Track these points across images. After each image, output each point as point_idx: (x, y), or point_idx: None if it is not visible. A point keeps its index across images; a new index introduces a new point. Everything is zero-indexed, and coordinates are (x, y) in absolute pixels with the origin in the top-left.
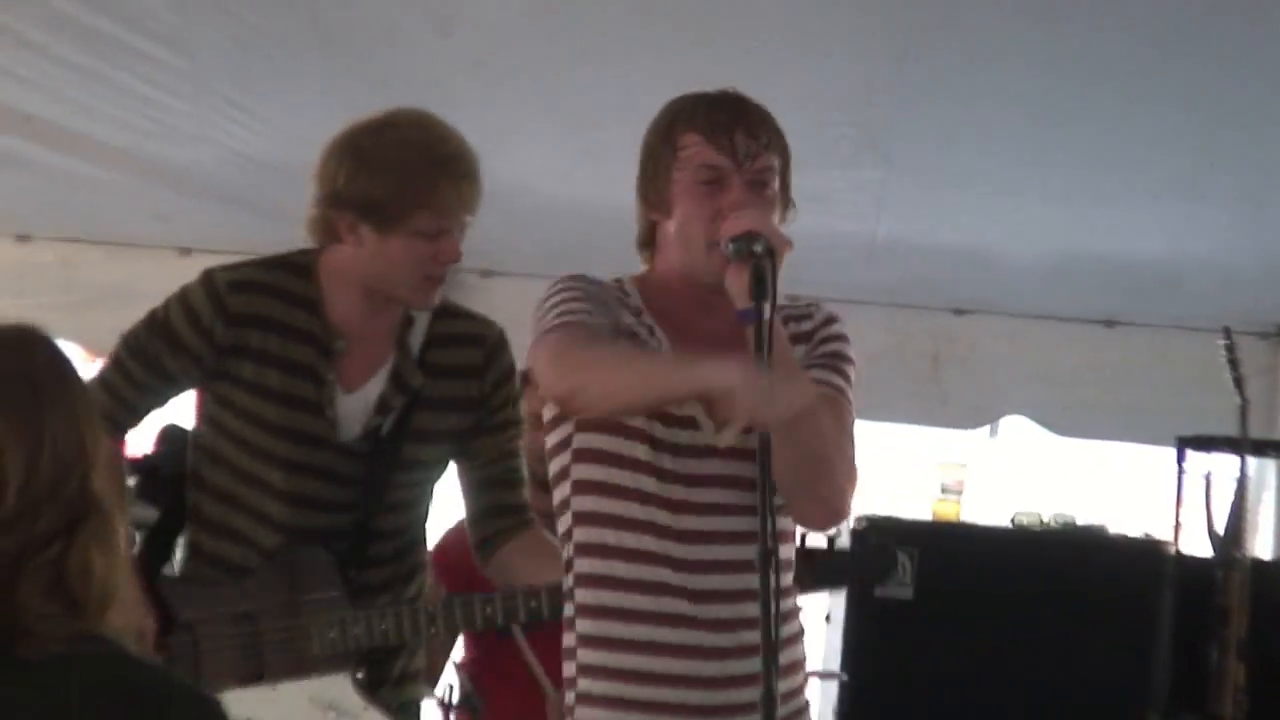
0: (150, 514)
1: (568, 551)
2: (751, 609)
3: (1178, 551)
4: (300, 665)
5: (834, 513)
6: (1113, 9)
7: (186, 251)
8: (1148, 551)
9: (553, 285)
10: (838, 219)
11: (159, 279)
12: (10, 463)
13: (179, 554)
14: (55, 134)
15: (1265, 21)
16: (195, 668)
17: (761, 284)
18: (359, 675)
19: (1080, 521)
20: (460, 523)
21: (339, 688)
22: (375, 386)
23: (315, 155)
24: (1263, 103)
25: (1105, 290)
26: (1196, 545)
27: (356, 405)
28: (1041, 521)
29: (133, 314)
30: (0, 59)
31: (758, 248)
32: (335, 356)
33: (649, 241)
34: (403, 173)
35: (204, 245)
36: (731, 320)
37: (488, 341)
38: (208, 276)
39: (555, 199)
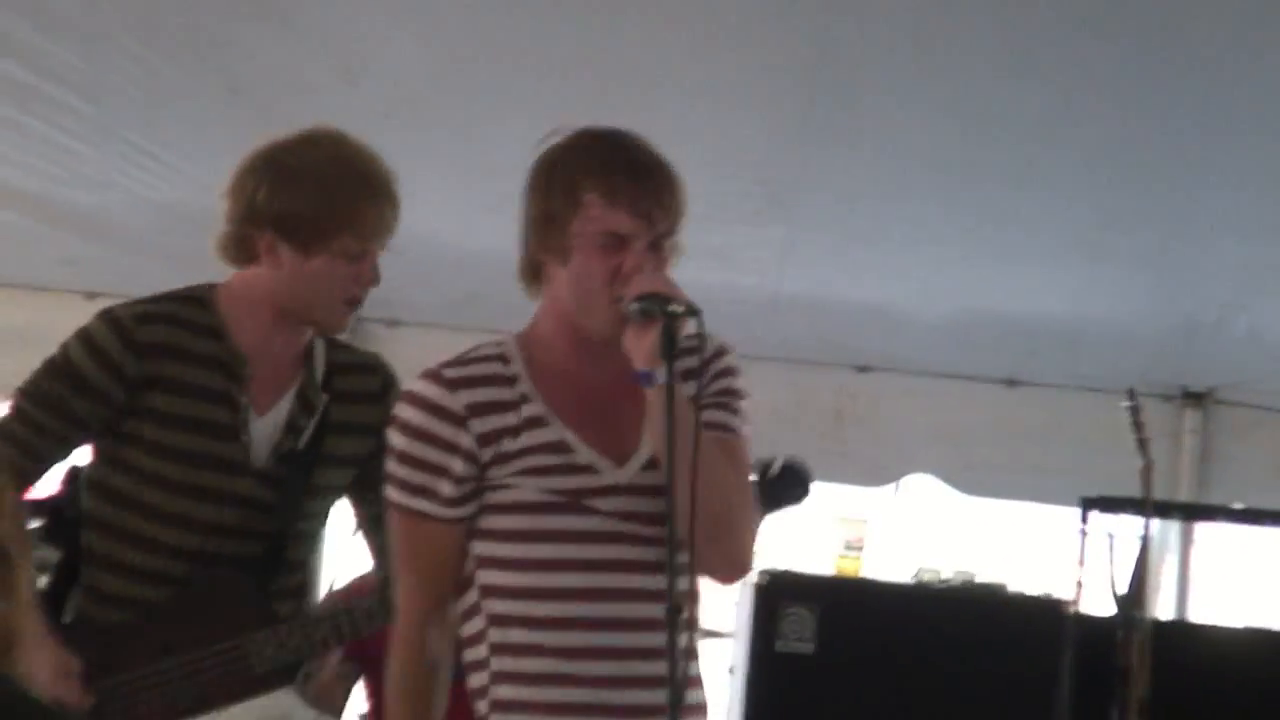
0: (55, 556)
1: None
2: (645, 668)
3: (1079, 611)
4: (243, 687)
5: (739, 566)
6: (1015, 69)
7: (93, 296)
8: (1049, 610)
9: (395, 417)
10: (741, 274)
11: (65, 323)
12: None
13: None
14: None
15: (1171, 84)
16: (129, 713)
17: (672, 344)
18: (304, 681)
19: (981, 579)
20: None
21: (287, 702)
22: (283, 408)
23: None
24: (1168, 163)
25: (1008, 349)
26: (1098, 605)
27: (267, 428)
28: (942, 579)
29: (37, 357)
30: None
31: (676, 308)
32: (245, 381)
33: (535, 275)
34: (327, 192)
35: (110, 290)
36: (616, 373)
37: (381, 370)
38: (108, 314)
39: (460, 249)
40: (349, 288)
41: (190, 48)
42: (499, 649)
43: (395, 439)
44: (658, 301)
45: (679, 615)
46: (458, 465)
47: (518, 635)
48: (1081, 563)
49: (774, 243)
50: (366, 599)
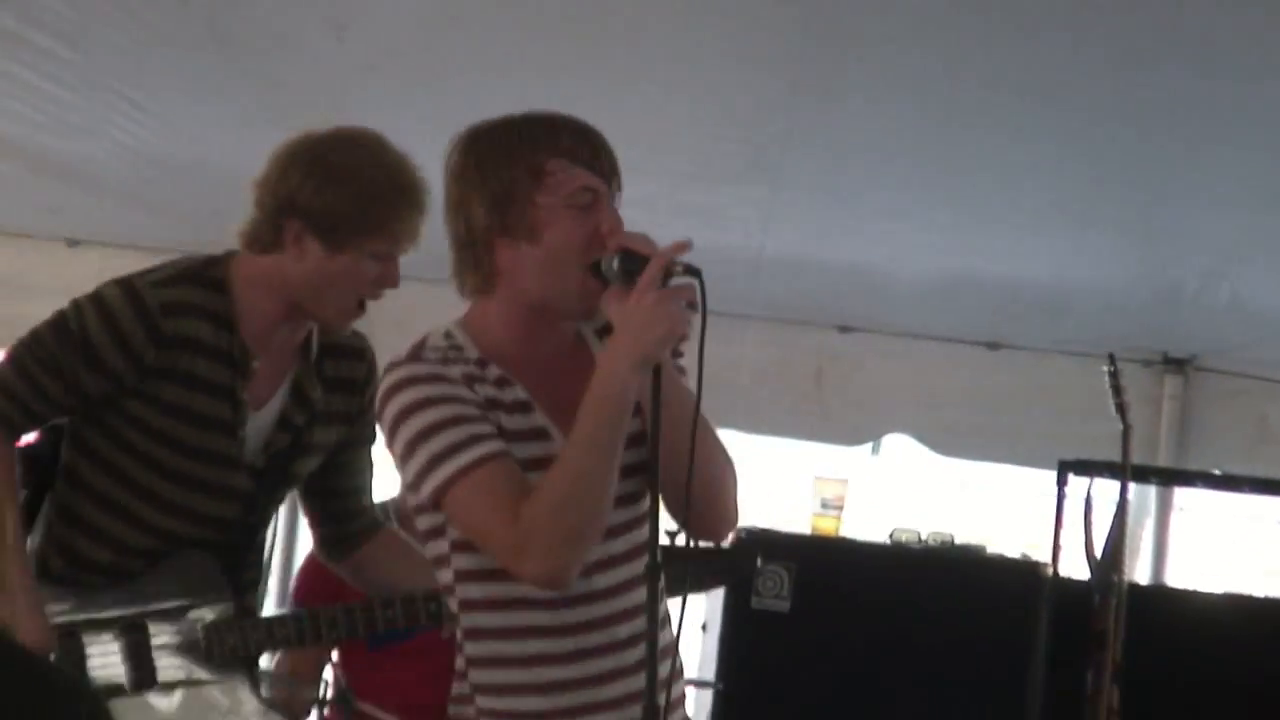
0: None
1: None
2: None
3: (1055, 574)
4: (194, 671)
5: (729, 522)
6: (1004, 32)
7: (75, 243)
8: (1025, 572)
9: (395, 394)
10: (725, 234)
11: (47, 270)
12: None
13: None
14: None
15: (1162, 51)
16: (84, 673)
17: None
18: (253, 675)
19: (959, 541)
20: (311, 555)
21: (236, 691)
22: (276, 403)
23: (206, 153)
24: (1152, 130)
25: (990, 312)
26: (1075, 568)
27: (261, 422)
28: (920, 539)
29: (20, 304)
30: None
31: (680, 269)
32: (250, 376)
33: (477, 267)
34: (370, 195)
35: (93, 238)
36: (565, 342)
37: (367, 355)
38: (134, 294)
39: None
40: (367, 289)
41: None
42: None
43: (417, 419)
44: (639, 261)
45: (659, 573)
46: (486, 417)
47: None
48: (1059, 526)
49: (758, 202)
50: (352, 605)
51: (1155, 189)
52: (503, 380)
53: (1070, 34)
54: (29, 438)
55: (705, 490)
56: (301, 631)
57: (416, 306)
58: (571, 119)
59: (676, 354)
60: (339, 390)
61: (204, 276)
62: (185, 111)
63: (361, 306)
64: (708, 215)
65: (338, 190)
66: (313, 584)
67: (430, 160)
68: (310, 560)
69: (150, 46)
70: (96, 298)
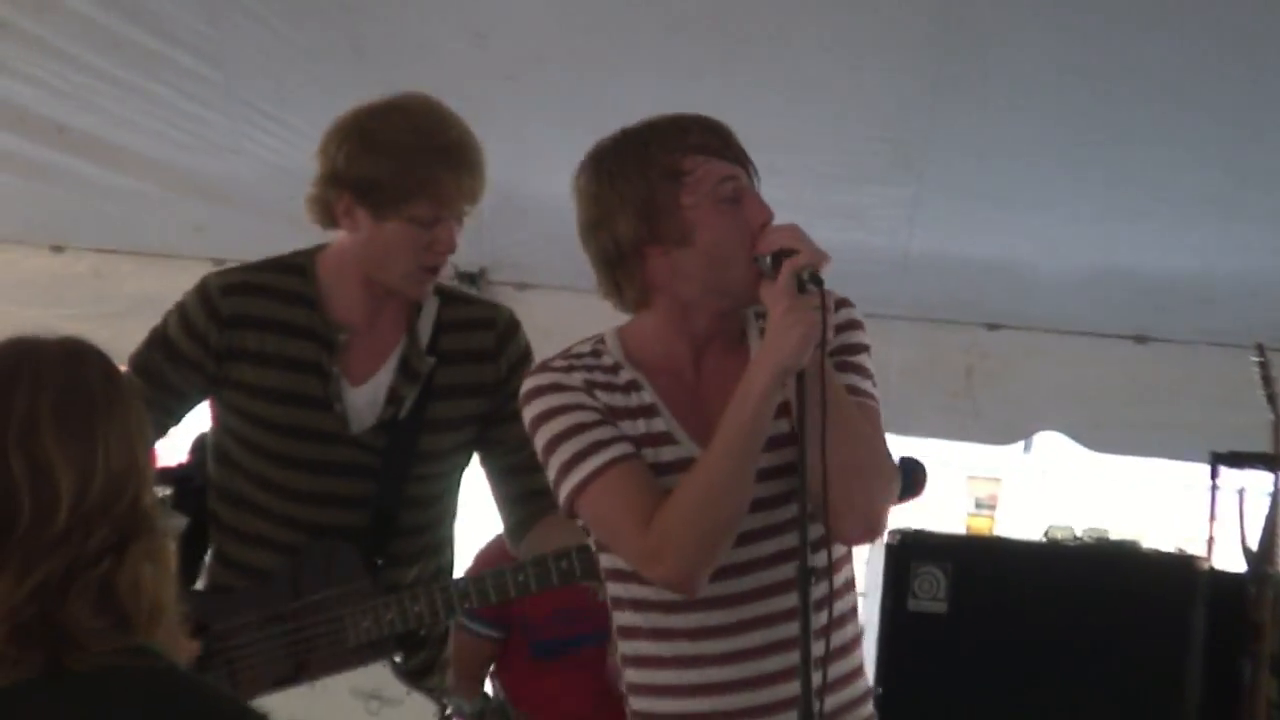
0: (183, 524)
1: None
2: (789, 629)
3: (1211, 567)
4: (338, 659)
5: (870, 524)
6: (1148, 25)
7: (220, 262)
8: (1181, 567)
9: (526, 406)
10: (871, 233)
11: None
12: (63, 481)
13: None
14: (89, 145)
15: None
16: (231, 678)
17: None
18: (398, 660)
19: (1114, 536)
20: (498, 537)
21: (379, 676)
22: (385, 377)
23: None
24: None
25: (1138, 306)
26: (1229, 561)
27: (366, 397)
28: (1075, 536)
29: None
30: (34, 70)
31: (806, 275)
32: (339, 350)
33: (631, 278)
34: (403, 157)
35: (238, 256)
36: (721, 341)
37: (498, 324)
38: (201, 283)
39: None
40: (424, 255)
41: (315, 10)
42: (630, 635)
43: (545, 430)
44: (785, 254)
45: (810, 576)
46: (607, 421)
47: (648, 646)
48: (1213, 519)
49: (903, 201)
50: (483, 573)
51: None
52: (632, 384)
53: (1215, 28)
54: (179, 459)
55: (843, 494)
56: (434, 605)
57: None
58: (691, 114)
59: (852, 355)
60: (462, 362)
61: (284, 263)
62: (326, 125)
63: (432, 271)
64: (853, 216)
65: (373, 157)
66: (491, 561)
67: (574, 166)
68: (492, 544)
69: (290, 61)
70: (181, 298)
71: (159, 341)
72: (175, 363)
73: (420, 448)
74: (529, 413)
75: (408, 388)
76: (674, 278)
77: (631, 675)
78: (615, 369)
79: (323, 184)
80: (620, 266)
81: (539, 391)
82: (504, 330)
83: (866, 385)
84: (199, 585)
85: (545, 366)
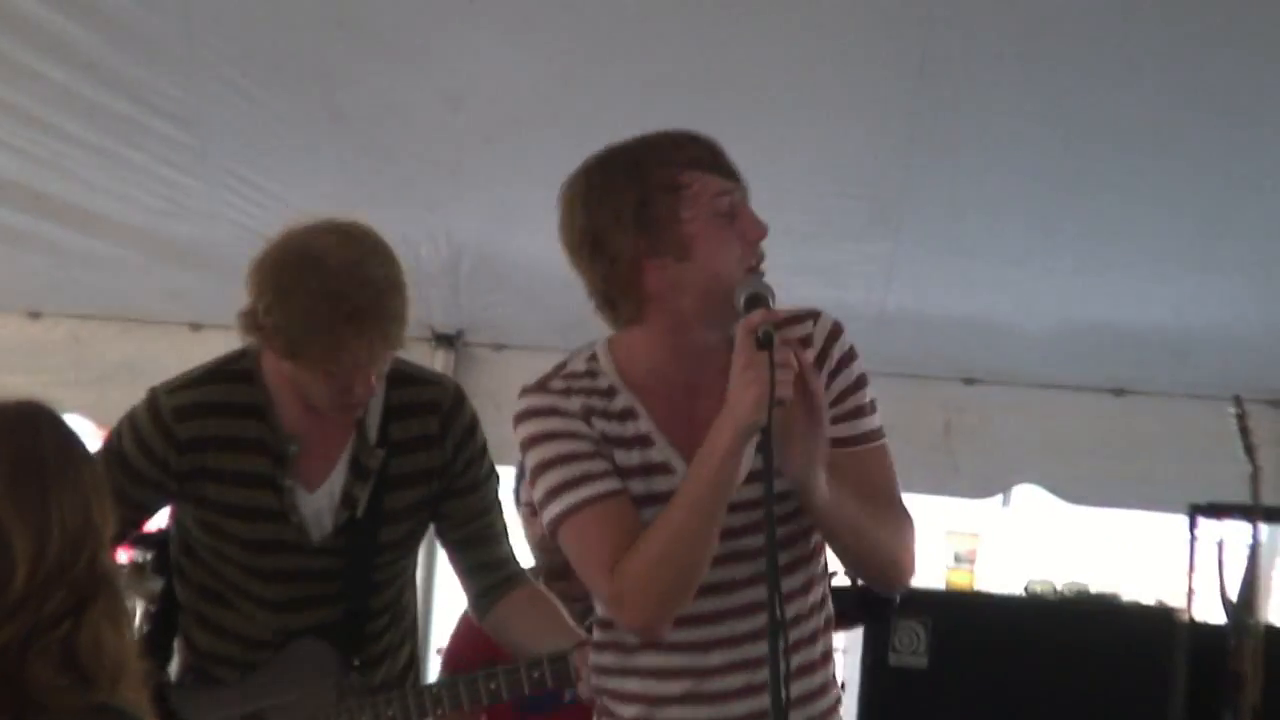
0: (159, 586)
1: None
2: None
3: (1191, 619)
4: None
5: (891, 582)
6: (1120, 78)
7: (198, 327)
8: (1161, 619)
9: (518, 425)
10: (848, 290)
11: (172, 354)
12: (18, 547)
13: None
14: (66, 211)
15: (1270, 101)
16: None
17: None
18: None
19: (1093, 589)
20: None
21: None
22: (338, 479)
23: None
24: (1272, 169)
25: (1114, 359)
26: (1209, 612)
27: (323, 502)
28: (1055, 590)
29: (144, 389)
30: (11, 137)
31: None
32: (290, 461)
33: (626, 293)
34: (311, 324)
35: (215, 321)
36: (713, 359)
37: (442, 407)
38: (153, 402)
39: (566, 272)
40: (341, 397)
41: (291, 76)
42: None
43: (537, 452)
44: (757, 303)
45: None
46: (599, 453)
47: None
48: (1192, 570)
49: (881, 258)
50: (456, 679)
51: (1273, 230)
52: (627, 412)
53: (1187, 82)
54: (160, 523)
55: (859, 572)
56: (407, 710)
57: None
58: (684, 130)
59: (853, 393)
60: (413, 450)
61: (229, 371)
62: (303, 190)
63: (352, 408)
64: (829, 273)
65: (287, 316)
66: (461, 647)
67: (551, 226)
68: (462, 622)
69: (267, 126)
70: (131, 413)
71: (117, 461)
72: (136, 483)
73: (380, 540)
74: (523, 431)
75: (360, 487)
76: (672, 291)
77: (599, 682)
78: (610, 393)
79: (246, 316)
80: (615, 282)
81: (536, 413)
82: (448, 413)
83: (870, 423)
84: (171, 668)
85: (543, 387)
